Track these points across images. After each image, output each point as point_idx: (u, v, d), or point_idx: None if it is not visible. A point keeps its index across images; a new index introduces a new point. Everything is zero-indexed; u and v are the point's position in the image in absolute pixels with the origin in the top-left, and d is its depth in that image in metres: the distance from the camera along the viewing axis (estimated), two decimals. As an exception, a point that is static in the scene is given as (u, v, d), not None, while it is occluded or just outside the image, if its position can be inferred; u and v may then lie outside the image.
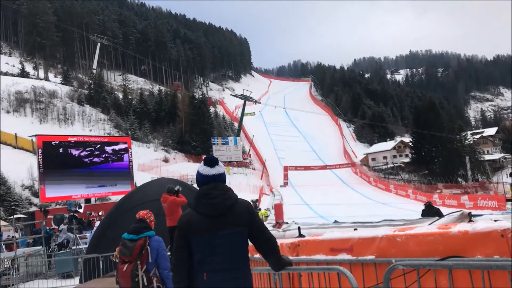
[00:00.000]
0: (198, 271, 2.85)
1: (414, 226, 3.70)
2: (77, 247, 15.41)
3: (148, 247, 4.29)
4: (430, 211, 12.59)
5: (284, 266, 3.22)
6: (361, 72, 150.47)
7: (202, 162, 3.13)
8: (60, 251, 15.51)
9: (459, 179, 59.97)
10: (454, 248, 2.82)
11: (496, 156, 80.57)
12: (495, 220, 3.36)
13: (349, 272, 2.98)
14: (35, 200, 34.67)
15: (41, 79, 68.61)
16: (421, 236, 3.08)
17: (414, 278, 2.88)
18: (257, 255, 3.33)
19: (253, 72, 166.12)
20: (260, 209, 33.99)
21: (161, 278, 4.29)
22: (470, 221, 4.00)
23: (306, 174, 57.53)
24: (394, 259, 2.96)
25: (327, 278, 3.54)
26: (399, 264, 2.77)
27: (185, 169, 49.28)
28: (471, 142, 71.38)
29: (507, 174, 67.74)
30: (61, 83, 69.47)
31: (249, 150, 70.06)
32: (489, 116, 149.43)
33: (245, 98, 73.62)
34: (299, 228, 6.06)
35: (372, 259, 3.28)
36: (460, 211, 4.18)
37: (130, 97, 71.40)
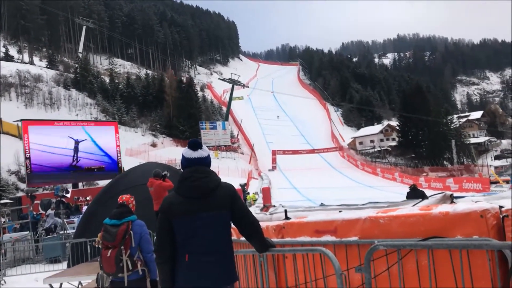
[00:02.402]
0: (181, 252, 2.89)
1: (397, 208, 3.75)
2: (65, 232, 15.36)
3: (131, 232, 4.29)
4: (415, 194, 12.74)
5: (268, 248, 3.27)
6: (349, 56, 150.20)
7: (187, 145, 3.15)
8: (48, 236, 15.47)
9: (445, 162, 60.71)
10: (436, 229, 2.87)
11: (481, 139, 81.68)
12: (476, 202, 3.42)
13: (331, 253, 3.03)
14: (22, 186, 34.40)
15: (25, 63, 67.52)
16: (403, 217, 3.12)
17: (397, 258, 2.95)
18: (243, 238, 3.37)
19: (241, 56, 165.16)
20: (248, 193, 34.18)
21: (145, 262, 4.30)
22: (452, 202, 4.07)
23: (294, 158, 57.75)
24: (377, 240, 3.01)
25: (311, 259, 3.59)
26: (380, 245, 2.82)
27: (173, 153, 49.11)
28: (457, 125, 72.16)
29: (491, 157, 68.99)
30: (46, 67, 68.40)
31: (238, 134, 69.98)
32: (475, 100, 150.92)
33: (233, 82, 73.22)
34: (285, 211, 6.09)
35: (355, 240, 3.33)
36: (443, 193, 4.25)
37: (116, 81, 70.62)
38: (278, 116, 64.92)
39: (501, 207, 2.72)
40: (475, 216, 2.70)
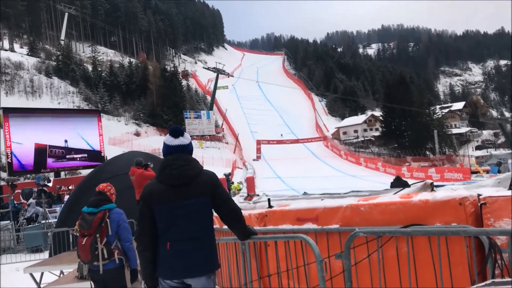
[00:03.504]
0: (162, 240, 2.88)
1: (378, 196, 3.79)
2: (47, 221, 15.22)
3: (108, 220, 4.23)
4: (398, 184, 12.89)
5: (250, 235, 3.28)
6: (333, 46, 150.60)
7: (168, 133, 3.13)
8: (29, 226, 15.32)
9: (427, 152, 61.44)
10: (416, 216, 2.92)
11: (463, 130, 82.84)
12: (455, 190, 3.47)
13: (311, 240, 3.05)
14: (3, 175, 33.90)
15: (6, 50, 66.15)
16: (384, 205, 3.16)
17: (378, 245, 2.98)
18: (226, 226, 3.37)
19: (226, 45, 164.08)
20: (233, 183, 34.28)
21: (123, 250, 4.27)
22: (432, 190, 4.12)
23: (279, 148, 57.89)
24: (358, 227, 3.04)
25: (292, 247, 3.61)
26: (360, 232, 2.85)
27: (156, 143, 48.75)
28: (440, 116, 72.96)
29: (473, 147, 70.04)
30: (27, 54, 67.20)
31: (222, 124, 69.80)
32: (457, 91, 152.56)
33: (218, 71, 72.73)
34: (269, 199, 6.11)
35: (336, 228, 3.36)
36: (423, 181, 4.30)
37: (99, 69, 69.74)
38: (281, 135, 62.02)
39: (479, 195, 2.76)
40: (454, 204, 2.75)
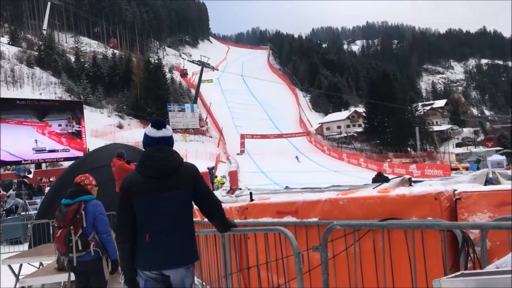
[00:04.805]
0: (141, 231, 2.88)
1: (357, 190, 3.85)
2: (26, 213, 15.05)
3: (83, 212, 4.18)
4: (379, 179, 13.06)
5: (229, 228, 3.30)
6: (318, 42, 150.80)
7: (150, 124, 3.11)
8: (8, 217, 15.13)
9: (409, 149, 62.11)
10: (393, 211, 2.97)
11: (444, 127, 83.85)
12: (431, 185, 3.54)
13: (289, 233, 3.09)
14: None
15: (-14, 39, 64.99)
16: (362, 199, 3.22)
17: (355, 239, 3.03)
18: (206, 219, 3.39)
19: (211, 38, 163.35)
20: (216, 176, 34.26)
21: (101, 242, 4.23)
22: (410, 185, 4.20)
23: (263, 142, 57.94)
24: (336, 221, 3.09)
25: (271, 239, 3.65)
26: (337, 225, 2.89)
27: (139, 135, 47.54)
28: (422, 113, 73.79)
29: (453, 145, 71.08)
30: (8, 44, 66.03)
31: (206, 117, 69.57)
32: (439, 89, 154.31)
33: (203, 65, 72.31)
34: (250, 193, 6.15)
35: (315, 221, 3.40)
36: (401, 177, 4.38)
37: (82, 60, 68.78)
38: (297, 157, 58.84)
39: (454, 190, 2.83)
40: (429, 199, 2.81)
